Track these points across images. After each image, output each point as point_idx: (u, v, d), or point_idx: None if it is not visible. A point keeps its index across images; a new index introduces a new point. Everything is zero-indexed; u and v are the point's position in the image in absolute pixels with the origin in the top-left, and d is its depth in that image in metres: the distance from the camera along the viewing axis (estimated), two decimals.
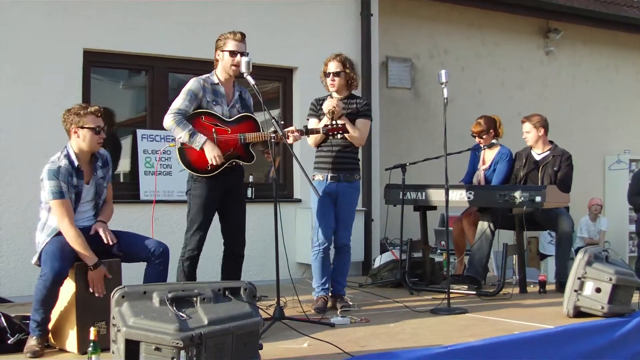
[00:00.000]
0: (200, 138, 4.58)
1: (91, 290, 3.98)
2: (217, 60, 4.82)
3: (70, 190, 4.08)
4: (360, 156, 7.32)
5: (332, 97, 5.24)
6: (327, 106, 5.10)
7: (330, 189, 5.20)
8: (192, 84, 4.74)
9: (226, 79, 4.82)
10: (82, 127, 4.11)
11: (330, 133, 4.97)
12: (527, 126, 6.32)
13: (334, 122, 4.97)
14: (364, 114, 5.25)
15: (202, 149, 4.59)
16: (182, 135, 4.58)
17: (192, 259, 4.72)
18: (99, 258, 4.02)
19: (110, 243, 4.13)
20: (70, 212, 4.03)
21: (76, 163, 4.11)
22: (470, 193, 5.98)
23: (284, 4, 7.25)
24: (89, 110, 4.14)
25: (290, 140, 4.78)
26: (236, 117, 4.79)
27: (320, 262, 5.21)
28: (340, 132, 4.97)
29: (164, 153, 6.51)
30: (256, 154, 4.82)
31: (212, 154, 4.59)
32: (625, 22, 10.44)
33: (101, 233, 4.14)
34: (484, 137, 6.43)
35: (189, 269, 4.72)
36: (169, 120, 4.61)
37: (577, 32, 10.37)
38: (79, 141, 4.13)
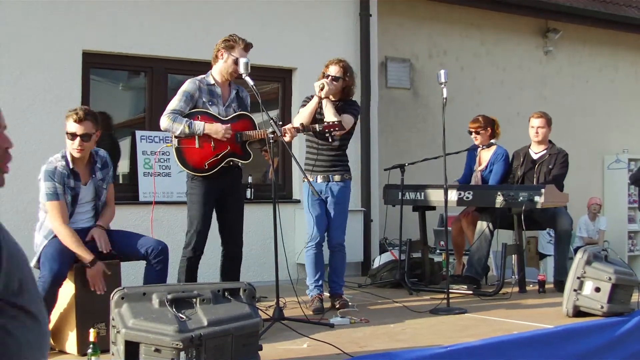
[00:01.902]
0: (199, 124, 4.59)
1: (92, 288, 3.96)
2: (217, 58, 4.79)
3: (67, 191, 4.07)
4: (358, 156, 7.42)
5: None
6: (319, 82, 5.12)
7: (320, 188, 5.20)
8: (188, 85, 4.73)
9: (222, 80, 4.82)
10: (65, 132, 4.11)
11: (327, 130, 4.95)
12: (542, 121, 6.29)
13: (329, 120, 4.97)
14: (349, 112, 5.25)
15: (205, 134, 4.58)
16: (180, 128, 4.57)
17: (193, 260, 4.70)
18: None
19: (105, 252, 4.10)
20: (64, 213, 4.02)
21: (70, 165, 4.10)
22: (468, 193, 5.98)
23: (284, 4, 7.24)
24: (68, 114, 4.10)
25: (287, 138, 4.77)
26: (232, 115, 4.77)
27: (312, 259, 5.22)
28: (337, 129, 4.95)
29: (162, 154, 6.50)
30: (253, 152, 4.81)
31: (219, 134, 4.59)
32: (624, 21, 10.42)
33: (97, 240, 4.11)
34: (480, 132, 6.43)
35: (190, 270, 4.69)
36: (164, 120, 4.61)
37: (577, 32, 10.36)
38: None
